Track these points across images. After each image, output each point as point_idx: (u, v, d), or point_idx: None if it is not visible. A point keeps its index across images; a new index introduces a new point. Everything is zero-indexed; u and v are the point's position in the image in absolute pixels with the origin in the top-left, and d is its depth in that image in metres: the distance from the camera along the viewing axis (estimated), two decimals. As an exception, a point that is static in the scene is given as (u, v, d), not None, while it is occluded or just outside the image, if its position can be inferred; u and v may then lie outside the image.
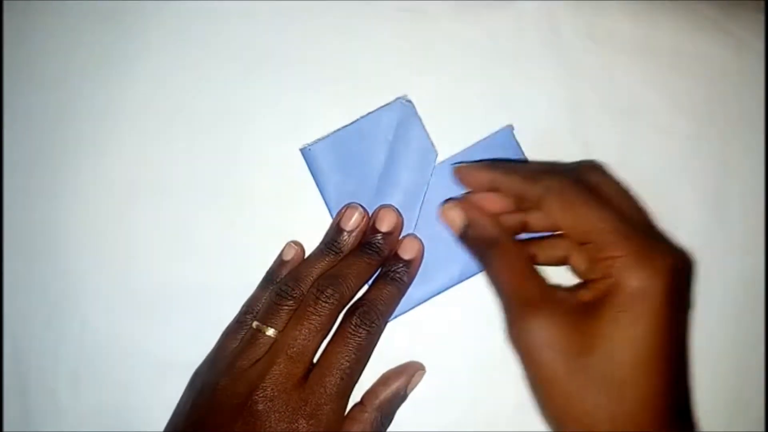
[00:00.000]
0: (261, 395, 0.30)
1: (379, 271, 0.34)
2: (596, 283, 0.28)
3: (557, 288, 0.30)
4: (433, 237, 0.34)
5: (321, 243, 0.34)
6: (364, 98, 0.36)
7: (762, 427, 0.36)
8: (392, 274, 0.33)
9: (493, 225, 0.31)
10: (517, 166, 0.34)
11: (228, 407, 0.30)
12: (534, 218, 0.32)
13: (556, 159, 0.36)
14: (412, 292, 0.34)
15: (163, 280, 0.36)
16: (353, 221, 0.33)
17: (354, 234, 0.33)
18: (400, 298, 0.33)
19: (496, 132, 0.35)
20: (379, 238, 0.33)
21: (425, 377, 0.35)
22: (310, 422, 0.30)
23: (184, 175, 0.36)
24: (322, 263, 0.33)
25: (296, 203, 0.36)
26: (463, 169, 0.34)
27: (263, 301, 0.33)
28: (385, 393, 0.33)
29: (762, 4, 0.38)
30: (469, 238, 0.32)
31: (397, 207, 0.34)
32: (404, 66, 0.37)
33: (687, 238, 0.36)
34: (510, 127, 0.35)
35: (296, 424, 0.30)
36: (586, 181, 0.30)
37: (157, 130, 0.36)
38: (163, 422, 0.33)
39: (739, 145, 0.37)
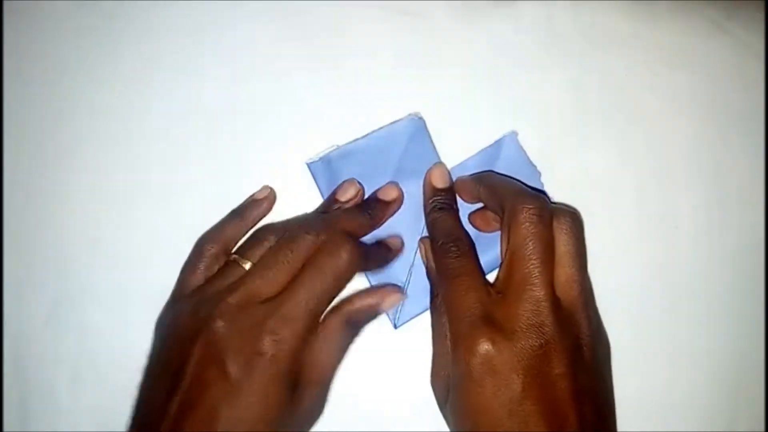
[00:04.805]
0: (222, 310, 0.28)
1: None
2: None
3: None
4: None
5: (315, 210, 0.35)
6: (364, 99, 0.36)
7: (762, 427, 0.36)
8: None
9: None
10: (499, 182, 0.34)
11: (187, 331, 0.28)
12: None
13: (555, 158, 0.36)
14: (424, 297, 0.34)
15: (163, 281, 0.36)
16: (349, 193, 0.34)
17: (346, 206, 0.34)
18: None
19: (501, 139, 0.35)
20: (376, 204, 0.34)
21: (426, 378, 0.35)
22: (275, 338, 0.28)
23: (185, 175, 0.36)
24: None
25: (296, 203, 0.36)
26: (458, 182, 0.35)
27: (235, 235, 0.33)
28: (360, 303, 0.31)
29: (762, 4, 0.38)
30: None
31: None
32: (404, 67, 0.37)
33: (687, 238, 0.36)
34: (514, 133, 0.35)
35: (259, 342, 0.27)
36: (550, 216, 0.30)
37: (158, 130, 0.36)
38: (163, 422, 0.32)
39: (739, 145, 0.37)
